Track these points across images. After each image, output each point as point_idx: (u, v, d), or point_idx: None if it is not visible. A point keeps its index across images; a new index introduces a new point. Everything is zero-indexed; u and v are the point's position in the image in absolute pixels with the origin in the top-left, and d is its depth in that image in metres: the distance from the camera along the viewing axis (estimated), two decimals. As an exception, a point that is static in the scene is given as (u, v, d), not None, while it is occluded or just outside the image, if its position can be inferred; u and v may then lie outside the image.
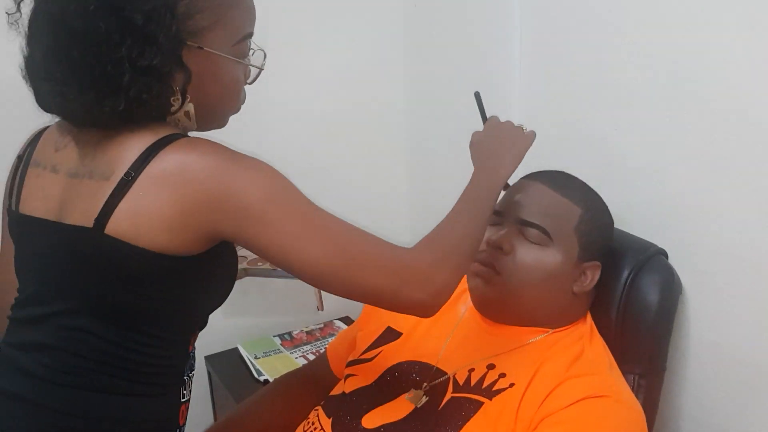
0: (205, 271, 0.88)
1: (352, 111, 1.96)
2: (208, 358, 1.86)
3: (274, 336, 1.94)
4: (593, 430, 0.98)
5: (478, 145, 1.14)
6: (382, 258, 0.88)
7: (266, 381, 1.70)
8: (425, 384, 1.11)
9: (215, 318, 1.80)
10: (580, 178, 1.21)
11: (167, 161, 0.82)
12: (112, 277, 0.84)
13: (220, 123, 0.97)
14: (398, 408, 1.09)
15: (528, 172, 1.22)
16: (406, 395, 1.10)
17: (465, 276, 1.18)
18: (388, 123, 2.03)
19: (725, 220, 1.19)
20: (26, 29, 0.85)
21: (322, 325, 2.00)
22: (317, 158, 1.94)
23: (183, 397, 0.97)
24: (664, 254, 1.27)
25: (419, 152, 2.04)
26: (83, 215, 0.83)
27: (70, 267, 0.87)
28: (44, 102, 0.86)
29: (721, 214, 1.20)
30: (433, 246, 0.93)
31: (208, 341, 1.87)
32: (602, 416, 0.99)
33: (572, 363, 1.07)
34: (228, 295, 0.98)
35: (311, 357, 1.82)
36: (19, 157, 0.98)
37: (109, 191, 0.82)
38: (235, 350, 1.87)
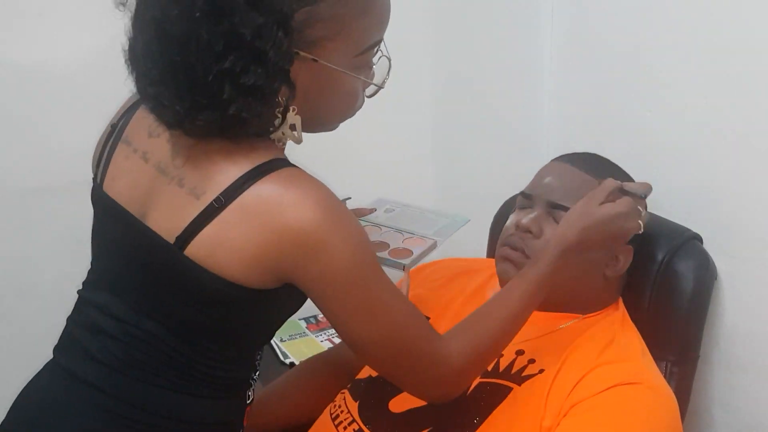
0: (275, 303, 0.86)
1: (376, 97, 1.94)
2: (235, 341, 1.87)
3: (299, 319, 1.94)
4: (625, 417, 0.97)
5: (565, 235, 0.99)
6: (422, 356, 0.86)
7: (292, 364, 1.71)
8: (453, 369, 1.10)
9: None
10: (614, 161, 1.19)
11: (263, 193, 0.77)
12: (183, 295, 0.83)
13: (329, 129, 0.92)
14: (425, 392, 1.08)
15: (557, 154, 1.21)
16: (433, 380, 1.10)
17: (493, 260, 1.17)
18: (414, 106, 2.01)
19: (761, 206, 1.17)
20: (132, 12, 0.79)
21: (347, 309, 2.00)
22: (337, 147, 1.92)
23: (248, 399, 0.97)
24: (699, 239, 1.24)
25: (447, 135, 2.02)
26: (167, 228, 0.81)
27: (145, 274, 0.85)
28: (141, 93, 0.81)
29: (758, 199, 1.17)
30: (469, 344, 0.90)
31: (235, 324, 1.89)
32: (634, 403, 0.98)
33: (603, 349, 1.05)
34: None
35: (336, 340, 1.82)
36: (113, 126, 0.93)
37: (197, 212, 0.78)
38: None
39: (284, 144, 0.85)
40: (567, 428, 0.96)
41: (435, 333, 0.88)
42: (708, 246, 1.24)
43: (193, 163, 0.81)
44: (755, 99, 1.14)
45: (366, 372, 1.18)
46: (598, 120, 1.48)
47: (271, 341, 1.82)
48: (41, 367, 0.95)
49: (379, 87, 0.90)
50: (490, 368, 1.07)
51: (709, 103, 1.22)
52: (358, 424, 1.08)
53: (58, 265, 1.76)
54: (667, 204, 1.29)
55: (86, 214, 1.62)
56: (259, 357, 0.97)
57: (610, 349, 1.06)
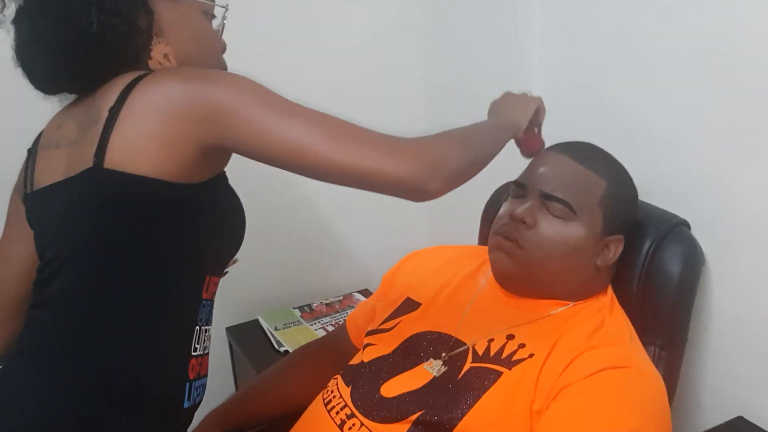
0: (207, 203, 0.88)
1: (369, 83, 1.95)
2: (229, 329, 1.88)
3: (293, 308, 1.96)
4: (613, 400, 0.98)
5: (494, 105, 1.18)
6: (371, 134, 0.86)
7: (286, 352, 1.72)
8: (444, 354, 1.11)
9: (236, 290, 1.83)
10: (603, 148, 1.20)
11: (147, 87, 0.84)
12: (118, 212, 0.84)
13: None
14: (417, 377, 1.09)
15: (552, 144, 1.21)
16: (425, 365, 1.11)
17: (486, 247, 1.18)
18: (406, 96, 2.02)
19: (749, 192, 1.18)
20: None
21: (341, 298, 2.01)
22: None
23: (194, 351, 0.93)
24: (687, 225, 1.25)
25: (439, 124, 2.02)
26: (84, 160, 0.85)
27: (80, 212, 0.87)
28: (37, 80, 0.91)
29: (745, 185, 1.18)
30: (433, 136, 0.90)
31: (230, 313, 1.90)
32: (622, 387, 0.99)
33: (592, 334, 1.06)
34: (239, 244, 0.98)
35: (330, 328, 1.83)
36: (29, 151, 1.01)
37: (101, 129, 0.83)
38: (256, 322, 1.89)
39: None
40: (556, 411, 0.97)
41: (381, 133, 0.89)
42: (696, 232, 1.25)
43: (93, 107, 0.89)
44: (743, 87, 1.15)
45: (358, 358, 1.20)
46: (588, 109, 1.48)
47: (266, 330, 1.83)
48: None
49: (223, 19, 1.00)
50: (480, 353, 1.08)
51: (697, 91, 1.23)
52: (350, 409, 1.09)
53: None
54: (656, 191, 1.30)
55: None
56: (208, 294, 0.94)
57: (598, 333, 1.07)
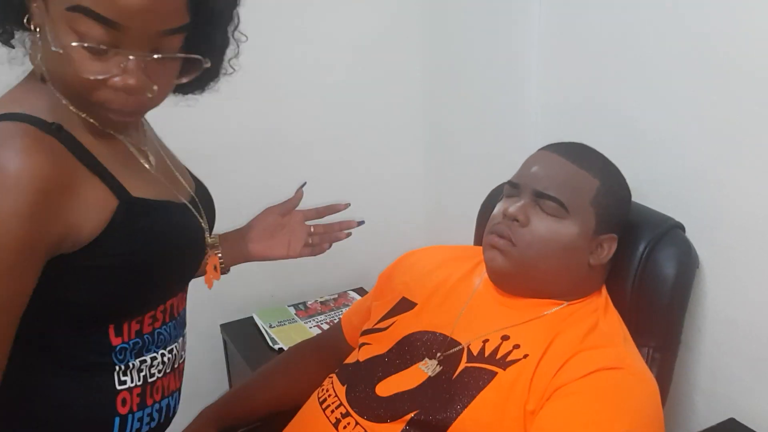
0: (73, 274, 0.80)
1: (367, 84, 1.95)
2: (224, 327, 1.88)
3: (288, 306, 1.96)
4: (606, 401, 0.98)
5: None
6: None
7: (281, 350, 1.72)
8: (439, 354, 1.11)
9: (231, 287, 1.82)
10: (599, 150, 1.20)
11: None
12: None
13: (95, 116, 0.83)
14: (412, 377, 1.10)
15: (544, 143, 1.22)
16: (420, 364, 1.11)
17: (481, 248, 1.19)
18: (404, 96, 2.02)
19: (744, 195, 1.18)
20: None
21: (336, 296, 2.01)
22: (330, 128, 1.93)
23: (122, 384, 0.89)
24: (682, 228, 1.26)
25: (436, 124, 2.03)
26: None
27: None
28: None
29: (739, 188, 1.19)
30: None
31: (224, 310, 1.90)
32: (615, 388, 1.00)
33: (586, 335, 1.07)
34: (162, 279, 0.90)
35: (325, 327, 1.83)
36: None
37: None
38: (250, 319, 1.89)
39: (38, 72, 0.82)
40: (550, 411, 0.98)
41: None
42: (690, 234, 1.25)
43: None
44: (738, 90, 1.16)
45: (354, 357, 1.20)
46: (584, 110, 1.49)
47: (261, 327, 1.83)
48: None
49: (81, 61, 0.76)
50: (475, 353, 1.09)
51: (692, 94, 1.23)
52: (345, 407, 1.10)
53: None
54: (651, 193, 1.31)
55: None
56: (125, 338, 0.88)
57: (592, 334, 1.07)
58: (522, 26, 1.59)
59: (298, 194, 1.21)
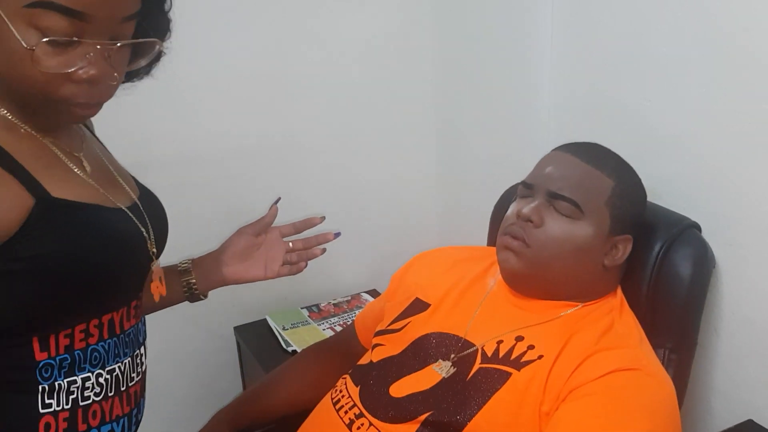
0: None
1: (378, 82, 1.95)
2: (237, 329, 1.89)
3: (301, 308, 1.96)
4: (622, 402, 0.98)
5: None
6: None
7: (294, 352, 1.72)
8: (453, 355, 1.11)
9: (244, 289, 1.82)
10: (613, 150, 1.19)
11: None
12: None
13: (50, 115, 0.82)
14: (426, 378, 1.10)
15: (557, 144, 1.21)
16: (433, 365, 1.11)
17: (495, 249, 1.18)
18: (416, 96, 2.02)
19: (761, 194, 1.17)
20: None
21: (349, 298, 2.01)
22: (342, 130, 1.94)
23: (46, 407, 0.81)
24: (698, 228, 1.25)
25: (448, 124, 2.02)
26: None
27: None
28: None
29: (756, 187, 1.18)
30: None
31: (238, 312, 1.90)
32: (632, 389, 0.99)
33: (602, 336, 1.06)
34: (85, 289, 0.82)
35: (338, 329, 1.83)
36: None
37: None
38: (264, 321, 1.90)
39: None
40: (565, 412, 0.97)
41: None
42: (707, 234, 1.24)
43: None
44: (754, 88, 1.14)
45: (367, 358, 1.20)
46: (597, 109, 1.48)
47: (274, 329, 1.84)
48: None
49: (47, 58, 0.74)
50: (489, 354, 1.08)
51: (707, 92, 1.23)
52: (359, 408, 1.09)
53: None
54: (666, 193, 1.30)
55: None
56: (51, 353, 0.81)
57: (608, 335, 1.07)
58: (534, 26, 1.58)
59: (272, 211, 1.17)
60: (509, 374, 1.04)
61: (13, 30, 0.73)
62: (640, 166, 1.19)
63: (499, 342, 1.09)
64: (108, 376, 0.86)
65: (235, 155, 1.83)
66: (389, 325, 1.23)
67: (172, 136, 1.70)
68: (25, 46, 0.73)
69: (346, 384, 1.16)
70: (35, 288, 0.78)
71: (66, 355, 0.82)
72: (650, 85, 1.34)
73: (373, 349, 1.20)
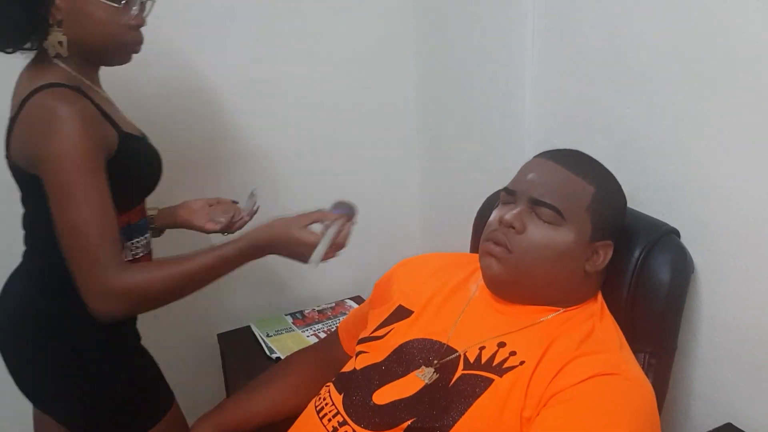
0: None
1: (361, 90, 1.96)
2: (221, 336, 1.88)
3: (285, 315, 1.95)
4: (603, 407, 0.98)
5: (274, 228, 1.19)
6: (92, 262, 1.07)
7: (278, 359, 1.72)
8: (436, 361, 1.11)
9: (228, 296, 1.82)
10: (593, 157, 1.21)
11: (29, 105, 1.09)
12: (24, 186, 1.18)
13: (115, 60, 1.21)
14: (409, 385, 1.10)
15: (539, 150, 1.22)
16: (416, 372, 1.11)
17: (477, 255, 1.19)
18: (398, 103, 2.03)
19: (738, 200, 1.19)
20: None
21: (333, 304, 2.01)
22: (325, 138, 1.94)
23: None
24: (677, 233, 1.27)
25: (431, 132, 2.03)
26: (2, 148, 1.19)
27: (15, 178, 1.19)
28: None
29: (733, 193, 1.19)
30: (140, 277, 1.11)
31: (221, 319, 1.90)
32: (612, 394, 1.00)
33: (582, 341, 1.07)
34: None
35: (323, 335, 1.83)
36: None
37: (5, 132, 1.15)
38: (248, 328, 1.89)
39: (54, 53, 1.14)
40: (546, 418, 0.98)
41: (115, 253, 1.09)
42: (685, 240, 1.26)
43: (17, 92, 1.17)
44: (732, 96, 1.16)
45: (351, 365, 1.20)
46: (578, 116, 1.49)
47: (258, 336, 1.83)
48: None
49: (129, 14, 1.16)
50: (472, 360, 1.09)
51: (687, 100, 1.24)
52: (342, 416, 1.10)
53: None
54: (646, 199, 1.32)
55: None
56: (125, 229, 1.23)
57: (588, 341, 1.08)
58: (515, 34, 1.60)
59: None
60: (491, 380, 1.04)
61: (103, 1, 1.12)
62: (620, 173, 1.20)
63: (482, 348, 1.10)
64: (144, 241, 1.29)
65: (217, 162, 1.83)
66: (372, 332, 1.23)
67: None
68: (117, 5, 1.13)
69: (329, 392, 1.17)
70: (121, 185, 1.13)
71: (127, 227, 1.23)
72: (630, 93, 1.36)
73: (356, 356, 1.20)
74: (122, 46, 1.19)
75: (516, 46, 1.60)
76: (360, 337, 1.25)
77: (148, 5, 1.20)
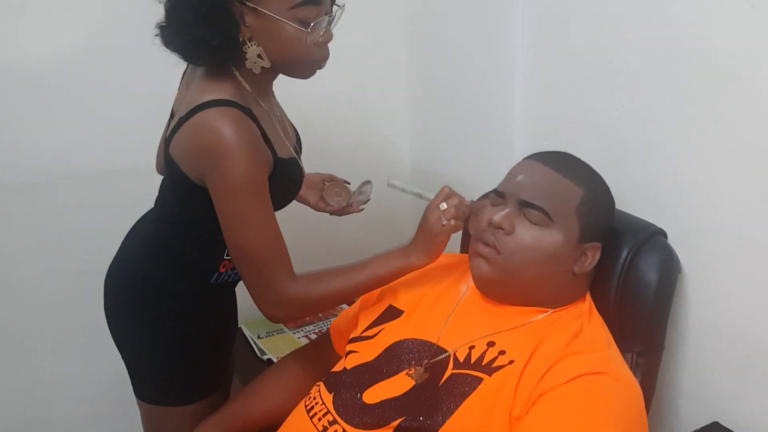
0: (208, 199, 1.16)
1: (352, 92, 1.96)
2: (212, 338, 1.88)
3: (277, 316, 1.95)
4: (591, 406, 0.99)
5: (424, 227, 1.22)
6: (267, 277, 1.18)
7: (269, 360, 1.72)
8: (426, 361, 1.12)
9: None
10: (581, 158, 1.22)
11: (202, 117, 1.12)
12: (171, 182, 1.28)
13: (300, 75, 1.24)
14: (399, 384, 1.10)
15: (530, 153, 1.23)
16: (406, 372, 1.12)
17: (467, 255, 1.20)
18: (388, 105, 2.03)
19: (725, 201, 1.20)
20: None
21: (324, 306, 2.01)
22: (316, 138, 1.94)
23: (227, 256, 1.29)
24: (664, 234, 1.28)
25: (421, 134, 2.04)
26: (164, 140, 1.25)
27: (165, 169, 1.28)
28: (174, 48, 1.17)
29: (720, 194, 1.21)
30: (309, 289, 1.20)
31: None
32: (600, 393, 1.01)
33: (571, 340, 1.08)
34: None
35: (314, 336, 1.84)
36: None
37: (171, 128, 1.19)
38: (239, 330, 1.89)
39: (258, 69, 1.17)
40: (535, 417, 0.99)
41: (288, 267, 1.18)
42: (672, 241, 1.27)
43: (188, 93, 1.21)
44: (718, 98, 1.17)
45: (341, 365, 1.20)
46: (568, 119, 1.50)
47: (249, 338, 1.83)
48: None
49: (317, 35, 1.16)
50: (461, 359, 1.10)
51: (674, 103, 1.25)
52: (332, 415, 1.10)
53: (38, 261, 1.76)
54: (633, 200, 1.33)
55: (64, 210, 1.64)
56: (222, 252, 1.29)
57: (577, 340, 1.08)
58: (505, 37, 1.61)
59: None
60: (481, 379, 1.05)
61: (290, 23, 1.13)
62: (608, 174, 1.21)
63: (471, 347, 1.11)
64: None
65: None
66: (363, 332, 1.24)
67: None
68: (304, 29, 1.14)
69: (319, 391, 1.17)
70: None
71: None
72: (619, 96, 1.37)
73: (346, 356, 1.21)
74: (309, 63, 1.21)
75: (506, 49, 1.61)
76: (350, 336, 1.26)
77: (336, 18, 1.22)
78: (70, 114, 1.67)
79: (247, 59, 1.16)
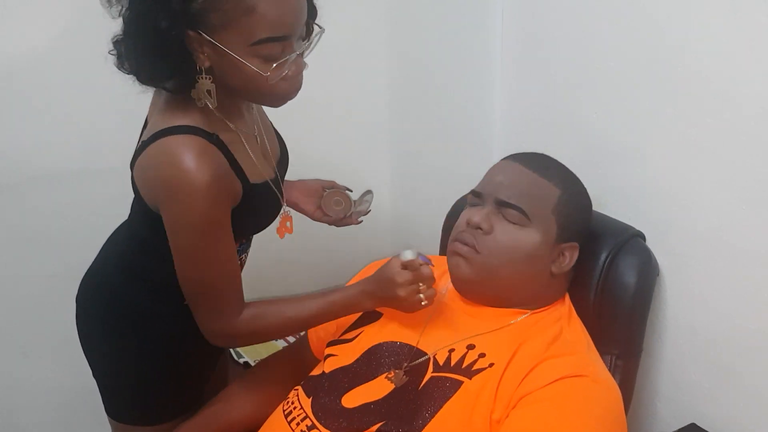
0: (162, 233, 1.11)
1: (331, 93, 1.95)
2: (188, 341, 1.85)
3: (254, 319, 1.93)
4: (571, 408, 0.99)
5: (379, 276, 1.14)
6: (215, 308, 1.14)
7: (246, 363, 1.70)
8: (405, 364, 1.11)
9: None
10: (560, 160, 1.22)
11: (161, 145, 1.06)
12: (137, 203, 1.18)
13: (267, 105, 1.17)
14: (378, 388, 1.10)
15: (508, 154, 1.23)
16: (386, 375, 1.11)
17: (446, 257, 1.19)
18: (369, 106, 2.02)
19: (703, 204, 1.21)
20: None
21: (302, 308, 1.99)
22: (294, 139, 1.92)
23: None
24: (642, 237, 1.28)
25: (401, 135, 2.04)
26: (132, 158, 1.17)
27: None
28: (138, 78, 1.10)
29: (698, 198, 1.21)
30: (256, 321, 1.16)
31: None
32: (580, 395, 1.01)
33: (551, 343, 1.08)
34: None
35: (292, 339, 1.82)
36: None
37: (139, 146, 1.13)
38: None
39: (202, 104, 1.09)
40: (515, 419, 0.99)
41: (238, 300, 1.15)
42: (651, 243, 1.28)
43: (156, 110, 1.15)
44: (697, 102, 1.18)
45: (319, 368, 1.19)
46: (546, 121, 1.51)
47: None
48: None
49: (280, 74, 1.06)
50: (441, 362, 1.09)
51: (652, 106, 1.26)
52: (311, 420, 1.09)
53: (9, 263, 1.72)
54: (612, 203, 1.33)
55: (35, 211, 1.61)
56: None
57: (557, 343, 1.09)
58: (485, 39, 1.61)
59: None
60: (461, 383, 1.05)
61: (248, 64, 1.03)
62: (586, 177, 1.22)
63: (451, 350, 1.10)
64: (244, 256, 1.32)
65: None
66: (342, 335, 1.23)
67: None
68: (263, 73, 1.03)
69: (298, 395, 1.16)
70: (235, 227, 1.13)
71: (240, 247, 1.25)
72: (597, 98, 1.37)
73: (325, 359, 1.20)
74: (275, 98, 1.11)
75: (485, 50, 1.61)
76: (329, 340, 1.25)
77: (313, 44, 1.12)
78: (41, 113, 1.64)
79: (193, 93, 1.08)
